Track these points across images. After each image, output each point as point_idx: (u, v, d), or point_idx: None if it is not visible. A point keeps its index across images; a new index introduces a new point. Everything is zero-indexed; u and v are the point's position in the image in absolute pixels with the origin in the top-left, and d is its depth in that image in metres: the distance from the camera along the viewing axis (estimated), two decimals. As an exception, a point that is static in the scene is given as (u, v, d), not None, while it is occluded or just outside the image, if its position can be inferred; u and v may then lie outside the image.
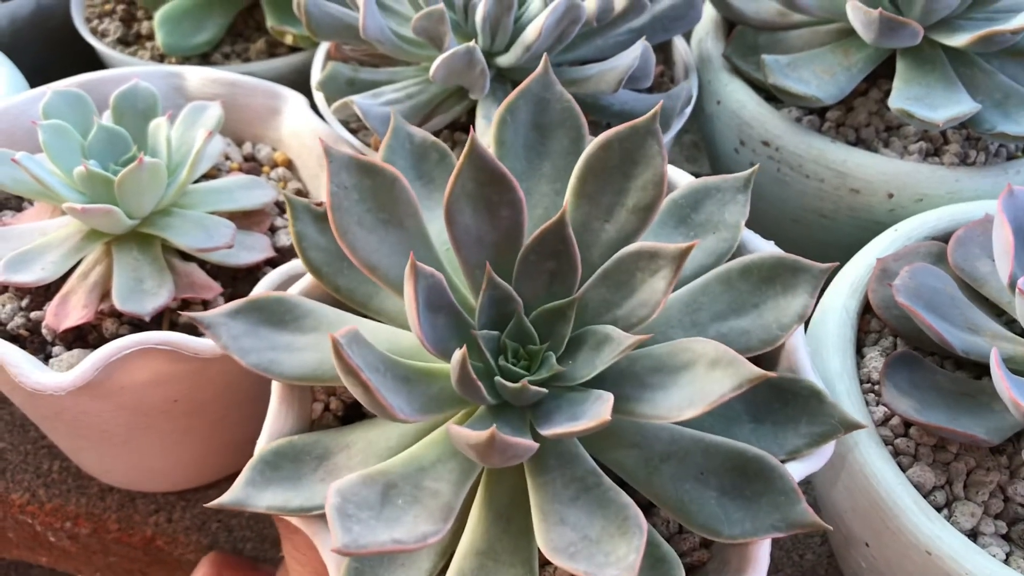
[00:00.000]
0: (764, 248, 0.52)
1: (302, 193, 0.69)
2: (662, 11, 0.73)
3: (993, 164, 0.68)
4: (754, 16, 0.74)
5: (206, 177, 0.67)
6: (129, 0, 0.91)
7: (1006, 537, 0.49)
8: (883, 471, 0.49)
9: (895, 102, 0.65)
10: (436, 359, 0.41)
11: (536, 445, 0.37)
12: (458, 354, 0.37)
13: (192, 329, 0.57)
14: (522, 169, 0.48)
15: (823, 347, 0.55)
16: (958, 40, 0.65)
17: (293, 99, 0.70)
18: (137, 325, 0.58)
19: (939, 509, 0.50)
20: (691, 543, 0.45)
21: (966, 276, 0.57)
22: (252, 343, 0.44)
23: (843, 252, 0.62)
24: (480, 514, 0.42)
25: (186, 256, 0.60)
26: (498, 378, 0.41)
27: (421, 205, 0.45)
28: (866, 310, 0.58)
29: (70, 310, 0.57)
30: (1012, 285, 0.50)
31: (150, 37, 0.88)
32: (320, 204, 0.46)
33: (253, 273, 0.62)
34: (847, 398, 0.52)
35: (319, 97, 0.71)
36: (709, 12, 0.80)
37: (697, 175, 0.53)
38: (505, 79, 0.68)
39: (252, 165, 0.70)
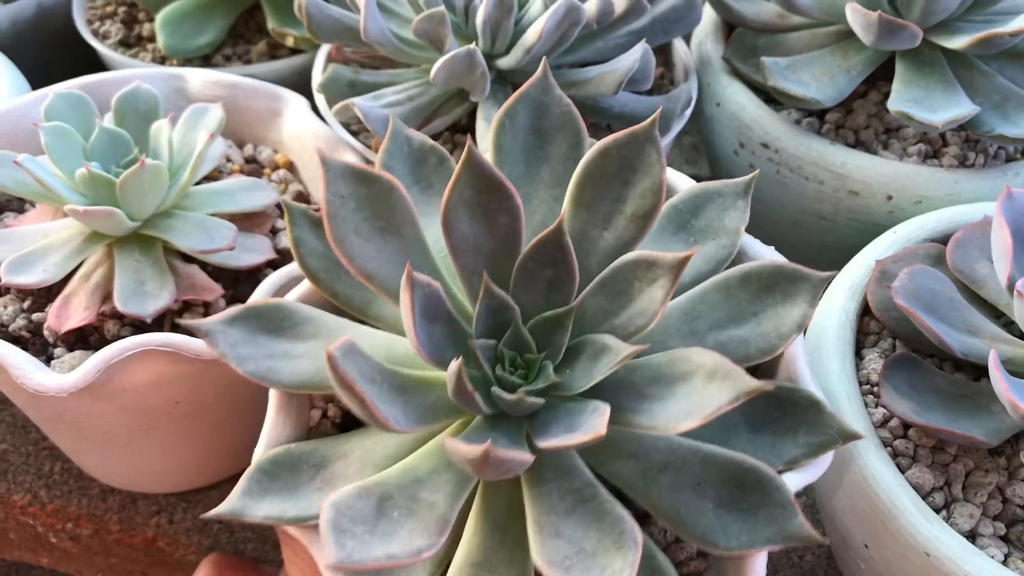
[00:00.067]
0: (764, 254, 0.51)
1: (303, 195, 0.69)
2: (662, 13, 0.74)
3: (992, 166, 0.68)
4: (754, 18, 0.75)
5: (207, 179, 0.67)
6: (130, 2, 0.91)
7: (1004, 538, 0.50)
8: (882, 472, 0.49)
9: (894, 104, 0.65)
10: (433, 367, 0.41)
11: (532, 458, 0.37)
12: (454, 365, 0.37)
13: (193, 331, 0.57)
14: (520, 174, 0.48)
15: (822, 349, 0.55)
16: (957, 42, 0.65)
17: (294, 101, 0.71)
18: (139, 327, 0.58)
19: (938, 510, 0.50)
20: (688, 553, 0.45)
21: (965, 278, 0.57)
22: (249, 351, 0.44)
23: (842, 254, 0.62)
24: (476, 525, 0.42)
25: (187, 258, 0.61)
26: (495, 389, 0.41)
27: (419, 210, 0.45)
28: (865, 312, 0.58)
29: (72, 312, 0.57)
30: (1010, 287, 0.50)
31: (151, 39, 0.88)
32: (318, 209, 0.45)
33: (254, 275, 0.62)
34: (846, 400, 0.52)
35: (320, 99, 0.72)
36: (709, 14, 0.80)
37: (696, 177, 0.53)
38: (505, 81, 0.68)
39: (253, 167, 0.70)
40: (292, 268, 0.58)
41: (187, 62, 0.85)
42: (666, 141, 0.70)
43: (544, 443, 0.38)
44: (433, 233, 0.45)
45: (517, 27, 0.66)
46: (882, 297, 0.56)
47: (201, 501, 0.73)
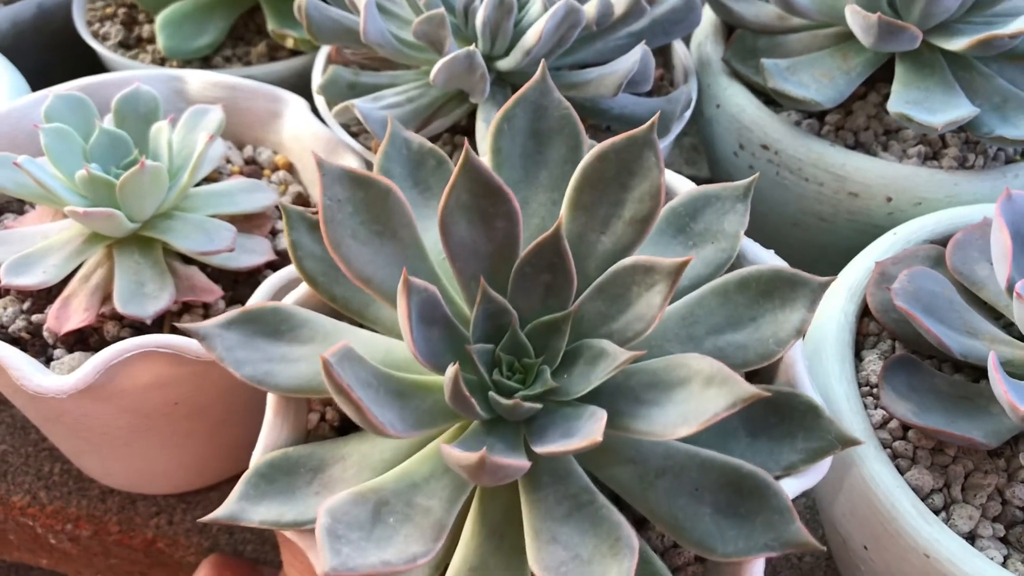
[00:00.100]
0: (764, 258, 0.51)
1: (303, 196, 0.69)
2: (662, 15, 0.74)
3: (991, 168, 0.68)
4: (753, 20, 0.75)
5: (207, 180, 0.67)
6: (130, 3, 0.91)
7: (1004, 540, 0.50)
8: (881, 474, 0.49)
9: (894, 106, 0.65)
10: (431, 372, 0.41)
11: (528, 464, 0.37)
12: (451, 371, 0.37)
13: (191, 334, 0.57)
14: (518, 178, 0.48)
15: (822, 350, 0.55)
16: (957, 44, 0.65)
17: (294, 103, 0.71)
18: (138, 328, 0.58)
19: (937, 512, 0.50)
20: (686, 558, 0.45)
21: (964, 280, 0.57)
22: (247, 354, 0.44)
23: (842, 255, 0.62)
24: (473, 529, 0.42)
25: (187, 259, 0.61)
26: (492, 393, 0.41)
27: (418, 212, 0.45)
28: (865, 313, 0.58)
29: (71, 313, 0.57)
30: (1010, 289, 0.50)
31: (151, 40, 0.88)
32: (316, 212, 0.46)
33: (254, 276, 0.62)
34: (845, 401, 0.52)
35: (320, 101, 0.72)
36: (708, 16, 0.80)
37: (696, 178, 0.53)
38: (505, 83, 0.68)
39: (253, 168, 0.70)
40: (291, 270, 0.58)
41: (187, 64, 0.85)
42: (666, 143, 0.70)
43: (541, 448, 0.38)
44: (432, 236, 0.45)
45: (517, 29, 0.66)
46: (882, 299, 0.56)
47: (201, 502, 0.73)
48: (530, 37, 0.63)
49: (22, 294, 0.60)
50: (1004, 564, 0.48)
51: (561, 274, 0.43)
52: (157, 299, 0.57)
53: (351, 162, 0.66)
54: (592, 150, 0.44)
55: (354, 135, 0.70)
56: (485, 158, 0.48)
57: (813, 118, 0.72)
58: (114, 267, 0.58)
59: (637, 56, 0.65)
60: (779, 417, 0.45)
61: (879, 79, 0.71)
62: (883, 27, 0.64)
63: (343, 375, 0.36)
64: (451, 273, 0.44)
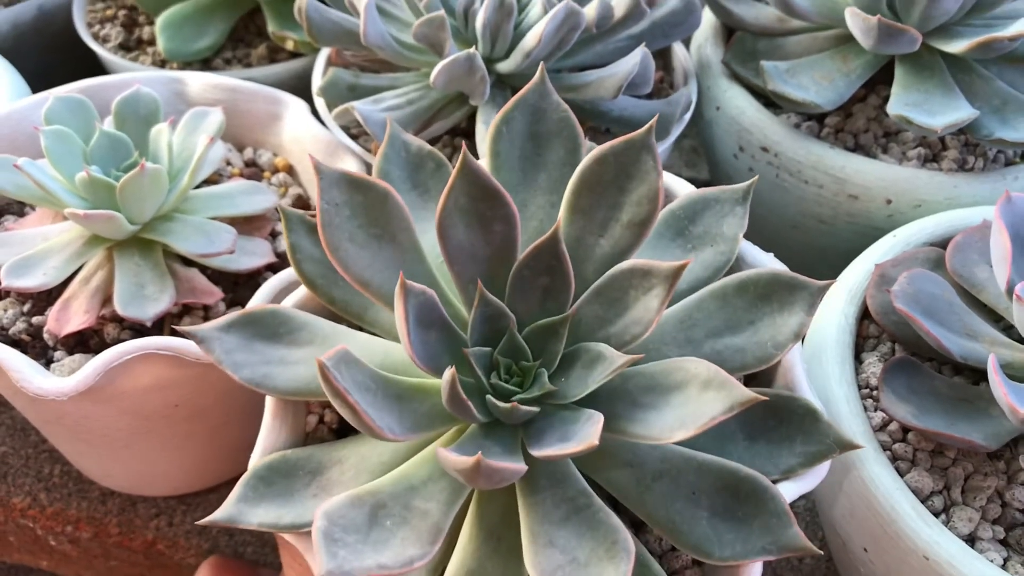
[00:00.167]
0: (763, 261, 0.51)
1: (303, 198, 0.69)
2: (662, 17, 0.74)
3: (991, 170, 0.68)
4: (753, 22, 0.75)
5: (207, 182, 0.67)
6: (131, 5, 0.91)
7: (1003, 542, 0.50)
8: (881, 476, 0.49)
9: (893, 108, 0.65)
10: (429, 375, 0.41)
11: (524, 468, 0.37)
12: (448, 374, 0.37)
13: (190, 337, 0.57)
14: (517, 181, 0.48)
15: (821, 353, 0.55)
16: (956, 46, 0.65)
17: (294, 105, 0.71)
18: (138, 330, 0.58)
19: (937, 514, 0.50)
20: (683, 561, 0.45)
21: (964, 282, 0.57)
22: (245, 357, 0.44)
23: (842, 258, 0.62)
24: (471, 532, 0.42)
25: (187, 261, 0.61)
26: (489, 397, 0.41)
27: (416, 215, 0.45)
28: (864, 316, 0.58)
29: (72, 315, 0.57)
30: (1009, 291, 0.50)
31: (151, 42, 0.88)
32: (315, 215, 0.46)
33: (254, 278, 0.62)
34: (845, 404, 0.52)
35: (320, 103, 0.72)
36: (708, 18, 0.80)
37: (696, 180, 0.53)
38: (505, 85, 0.68)
39: (253, 171, 0.70)
40: (291, 272, 0.58)
41: (187, 65, 0.85)
42: (665, 145, 0.70)
43: (538, 452, 0.38)
44: (430, 238, 0.45)
45: (517, 31, 0.66)
46: (881, 301, 0.56)
47: (200, 504, 0.73)
48: (530, 39, 0.63)
49: (22, 296, 0.60)
50: (1004, 566, 0.48)
51: (559, 277, 0.43)
52: (157, 301, 0.57)
53: (351, 164, 0.66)
54: (590, 153, 0.44)
55: (354, 137, 0.70)
56: (484, 161, 0.48)
57: (813, 120, 0.72)
58: (114, 269, 0.58)
59: (637, 58, 0.65)
60: (777, 420, 0.45)
61: (879, 81, 0.71)
62: (883, 29, 0.64)
63: (340, 378, 0.36)
64: (449, 276, 0.44)
